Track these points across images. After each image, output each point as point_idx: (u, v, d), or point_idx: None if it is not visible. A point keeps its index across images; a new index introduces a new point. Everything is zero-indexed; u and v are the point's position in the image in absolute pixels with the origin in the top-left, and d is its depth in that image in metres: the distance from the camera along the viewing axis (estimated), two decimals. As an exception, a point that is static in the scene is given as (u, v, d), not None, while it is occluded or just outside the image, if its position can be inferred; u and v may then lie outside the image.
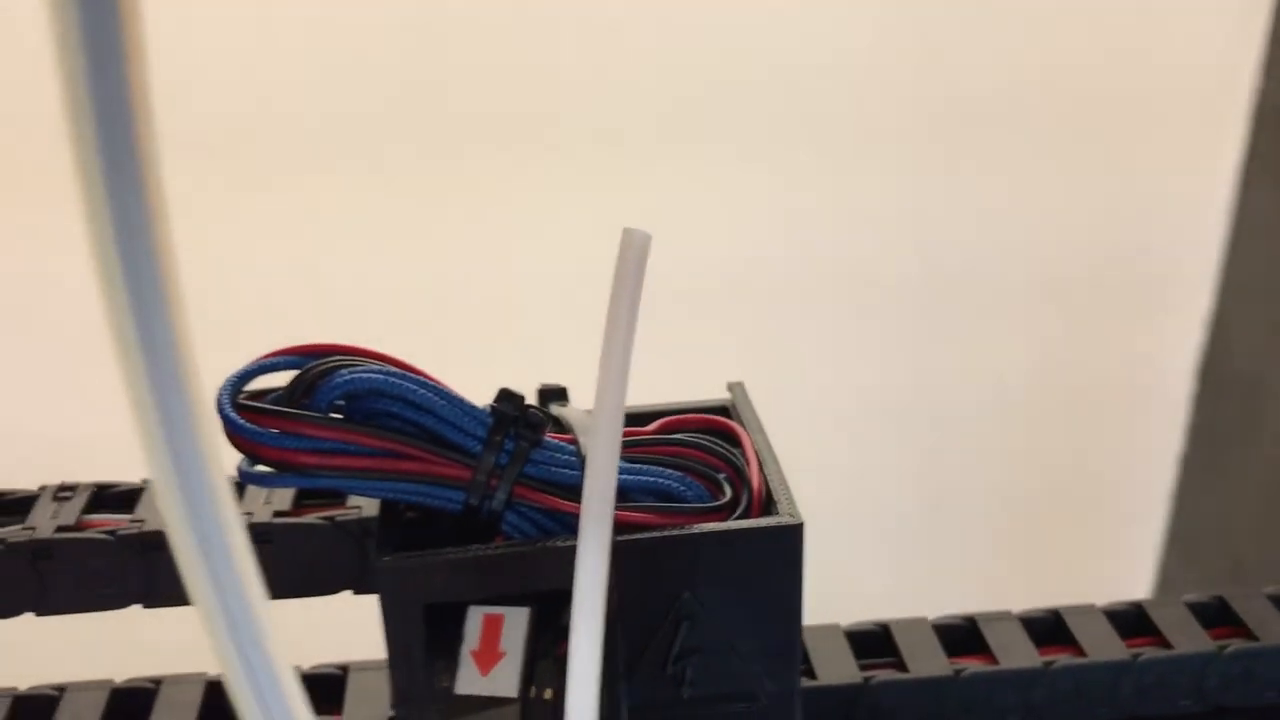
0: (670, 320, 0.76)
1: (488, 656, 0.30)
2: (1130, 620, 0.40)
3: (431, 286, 0.90)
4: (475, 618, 0.30)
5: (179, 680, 0.37)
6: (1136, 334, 1.06)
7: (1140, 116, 0.94)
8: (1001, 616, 0.40)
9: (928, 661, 0.38)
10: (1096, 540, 1.20)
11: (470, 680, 0.30)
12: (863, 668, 0.38)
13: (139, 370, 0.19)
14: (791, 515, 0.30)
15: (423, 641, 0.30)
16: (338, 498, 0.35)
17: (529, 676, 0.30)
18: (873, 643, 0.39)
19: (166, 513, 0.20)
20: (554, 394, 0.35)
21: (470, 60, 0.85)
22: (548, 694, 0.30)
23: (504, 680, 0.30)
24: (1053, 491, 1.14)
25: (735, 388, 0.36)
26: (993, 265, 1.02)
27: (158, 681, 0.37)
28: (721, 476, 0.32)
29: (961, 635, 0.40)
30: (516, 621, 0.30)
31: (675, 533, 0.30)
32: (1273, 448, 1.00)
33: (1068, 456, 1.13)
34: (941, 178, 0.98)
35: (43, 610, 0.33)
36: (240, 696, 0.22)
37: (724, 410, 0.35)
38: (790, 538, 0.30)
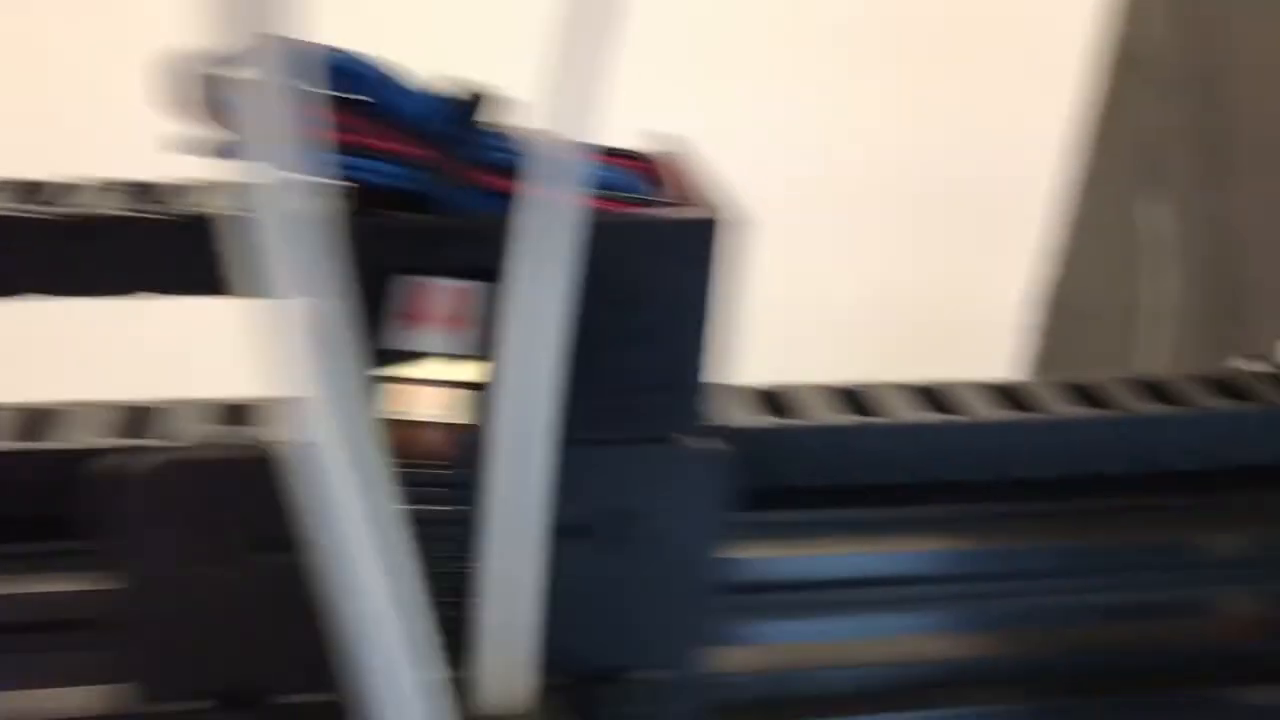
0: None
1: (454, 323, 0.31)
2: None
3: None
4: (438, 286, 0.31)
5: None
6: (983, 261, 1.11)
7: (999, 37, 0.99)
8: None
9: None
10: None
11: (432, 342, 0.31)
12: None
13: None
14: (711, 212, 0.32)
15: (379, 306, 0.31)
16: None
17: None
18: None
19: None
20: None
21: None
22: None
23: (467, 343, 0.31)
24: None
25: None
26: (847, 184, 1.06)
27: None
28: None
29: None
30: (477, 293, 0.31)
31: (612, 219, 0.32)
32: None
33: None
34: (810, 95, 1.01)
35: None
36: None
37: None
38: (708, 231, 0.32)
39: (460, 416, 0.31)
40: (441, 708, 0.28)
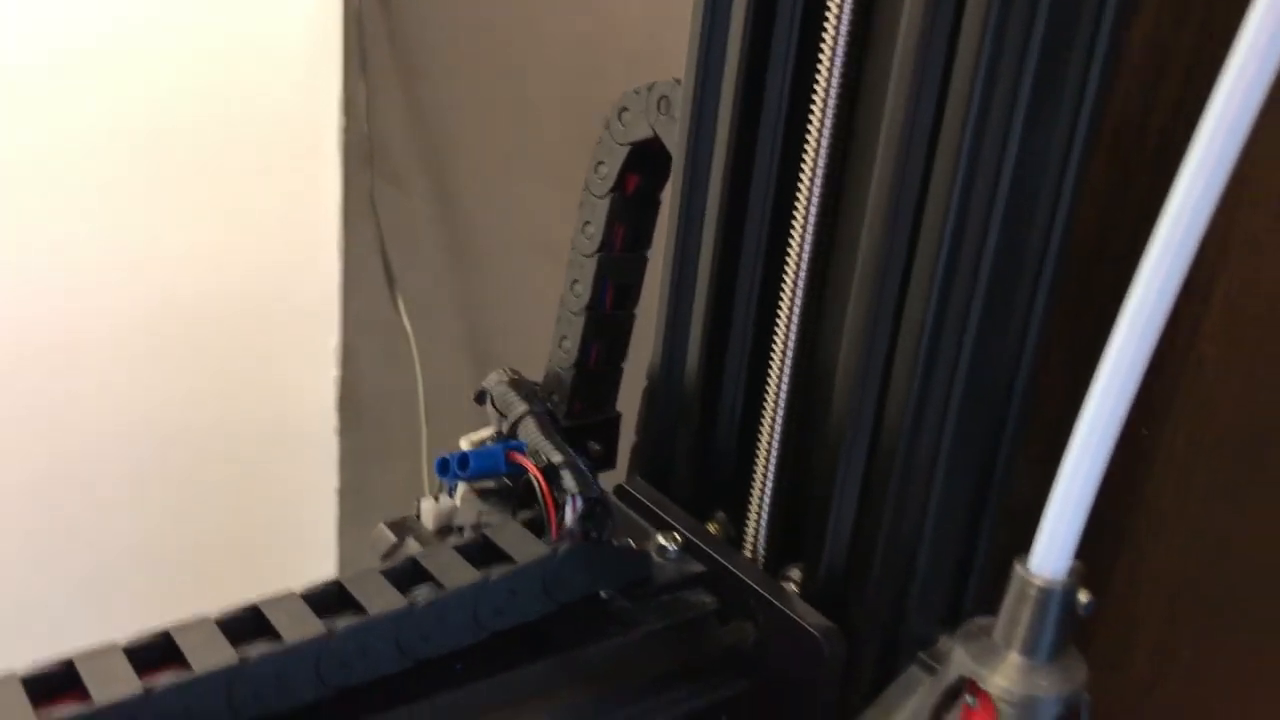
0: None
1: None
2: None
3: None
4: None
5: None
6: (279, 376, 1.09)
7: (247, 161, 0.98)
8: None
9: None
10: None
11: None
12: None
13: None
14: None
15: None
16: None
17: None
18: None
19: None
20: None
21: None
22: None
23: None
24: (223, 552, 1.12)
25: None
26: (117, 317, 0.98)
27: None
28: None
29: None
30: None
31: None
32: (401, 474, 1.09)
33: (234, 514, 1.12)
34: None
35: None
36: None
37: None
38: None
39: None
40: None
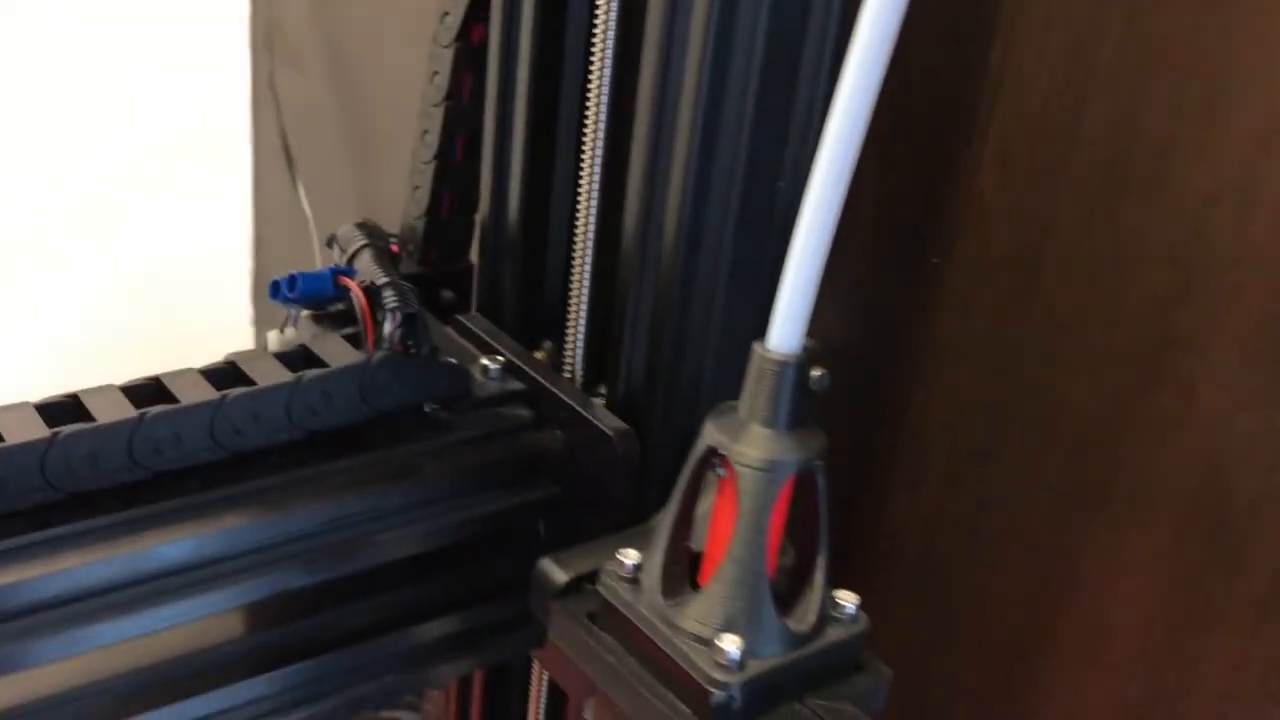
0: None
1: None
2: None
3: None
4: None
5: None
6: (194, 270, 1.11)
7: (156, 53, 0.99)
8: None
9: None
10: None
11: None
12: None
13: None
14: None
15: None
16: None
17: None
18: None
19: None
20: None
21: None
22: None
23: None
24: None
25: None
26: None
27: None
28: None
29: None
30: None
31: None
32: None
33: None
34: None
35: None
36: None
37: None
38: None
39: None
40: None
